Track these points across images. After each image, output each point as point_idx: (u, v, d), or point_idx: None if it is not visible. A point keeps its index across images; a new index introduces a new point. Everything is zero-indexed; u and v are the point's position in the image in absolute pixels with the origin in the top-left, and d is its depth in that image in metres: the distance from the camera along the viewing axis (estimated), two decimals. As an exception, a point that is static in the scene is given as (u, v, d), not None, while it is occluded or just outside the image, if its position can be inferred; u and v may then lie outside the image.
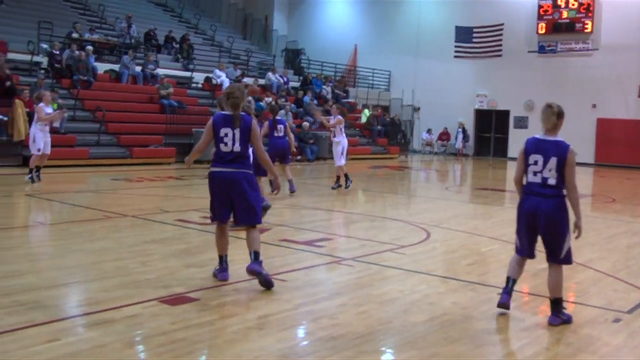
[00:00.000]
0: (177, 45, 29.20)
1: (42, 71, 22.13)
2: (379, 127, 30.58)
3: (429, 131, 33.65)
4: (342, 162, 15.52)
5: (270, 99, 26.36)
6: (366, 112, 31.79)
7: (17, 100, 18.44)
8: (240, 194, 6.52)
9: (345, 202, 14.15)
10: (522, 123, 31.14)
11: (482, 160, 31.20)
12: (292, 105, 27.04)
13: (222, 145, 6.54)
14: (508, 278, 6.03)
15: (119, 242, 8.27)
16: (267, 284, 6.40)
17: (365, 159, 27.06)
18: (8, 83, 19.36)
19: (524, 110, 31.07)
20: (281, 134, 13.82)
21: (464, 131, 32.53)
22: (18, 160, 18.41)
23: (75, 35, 24.67)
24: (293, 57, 35.87)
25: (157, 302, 5.93)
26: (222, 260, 6.81)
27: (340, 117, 15.67)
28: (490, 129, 32.80)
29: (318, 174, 20.86)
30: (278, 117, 14.15)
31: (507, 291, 5.94)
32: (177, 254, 7.94)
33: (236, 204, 6.56)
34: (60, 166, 17.60)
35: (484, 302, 6.36)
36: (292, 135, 14.45)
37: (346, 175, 15.52)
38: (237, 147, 6.52)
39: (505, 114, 31.91)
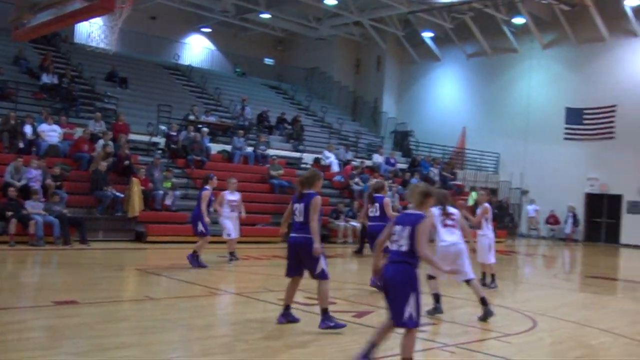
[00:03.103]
0: (289, 127, 30.04)
1: (159, 151, 23.24)
2: (487, 211, 30.07)
3: (531, 201, 33.08)
4: (492, 259, 13.04)
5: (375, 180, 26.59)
6: (474, 194, 31.43)
7: (133, 179, 19.44)
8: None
9: (449, 286, 13.92)
10: (635, 208, 30.02)
11: (593, 246, 30.02)
12: (400, 187, 27.11)
13: (294, 217, 8.38)
14: None
15: (223, 320, 8.44)
16: None
17: (472, 242, 26.53)
18: (127, 162, 20.42)
19: (637, 194, 29.97)
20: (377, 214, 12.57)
21: (574, 216, 31.55)
22: (131, 236, 19.23)
23: (191, 117, 25.88)
24: (402, 139, 36.16)
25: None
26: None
27: (487, 205, 13.13)
28: (602, 213, 31.72)
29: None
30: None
31: None
32: (280, 334, 8.02)
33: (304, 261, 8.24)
34: (171, 242, 18.21)
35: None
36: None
37: (493, 276, 13.19)
38: (300, 218, 8.28)
39: (617, 198, 30.82)
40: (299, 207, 8.37)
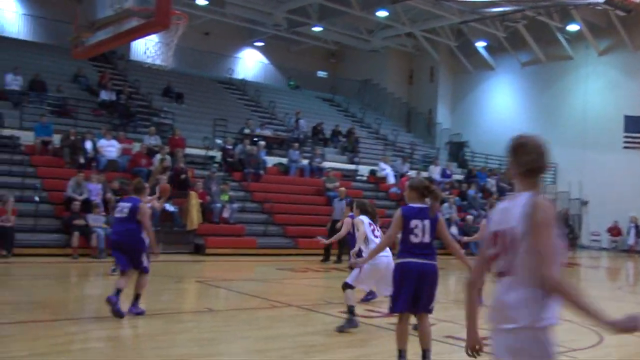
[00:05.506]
0: (343, 139, 30.03)
1: (216, 165, 23.43)
2: (545, 222, 29.57)
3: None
4: None
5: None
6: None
7: (191, 192, 19.61)
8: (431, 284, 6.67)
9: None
10: (703, 218, 29.19)
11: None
12: (457, 198, 26.81)
13: (412, 237, 6.61)
14: None
15: (284, 332, 8.41)
16: None
17: (531, 254, 26.12)
18: (183, 176, 20.61)
19: None
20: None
21: (637, 226, 30.73)
22: (190, 248, 19.38)
23: (247, 130, 26.03)
24: (457, 150, 35.82)
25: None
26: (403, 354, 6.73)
27: None
28: (667, 224, 30.83)
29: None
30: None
31: None
32: (340, 346, 7.96)
33: (423, 293, 6.63)
34: (229, 255, 18.32)
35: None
36: None
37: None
38: (426, 239, 6.63)
39: (682, 208, 29.98)
40: (420, 224, 6.68)
